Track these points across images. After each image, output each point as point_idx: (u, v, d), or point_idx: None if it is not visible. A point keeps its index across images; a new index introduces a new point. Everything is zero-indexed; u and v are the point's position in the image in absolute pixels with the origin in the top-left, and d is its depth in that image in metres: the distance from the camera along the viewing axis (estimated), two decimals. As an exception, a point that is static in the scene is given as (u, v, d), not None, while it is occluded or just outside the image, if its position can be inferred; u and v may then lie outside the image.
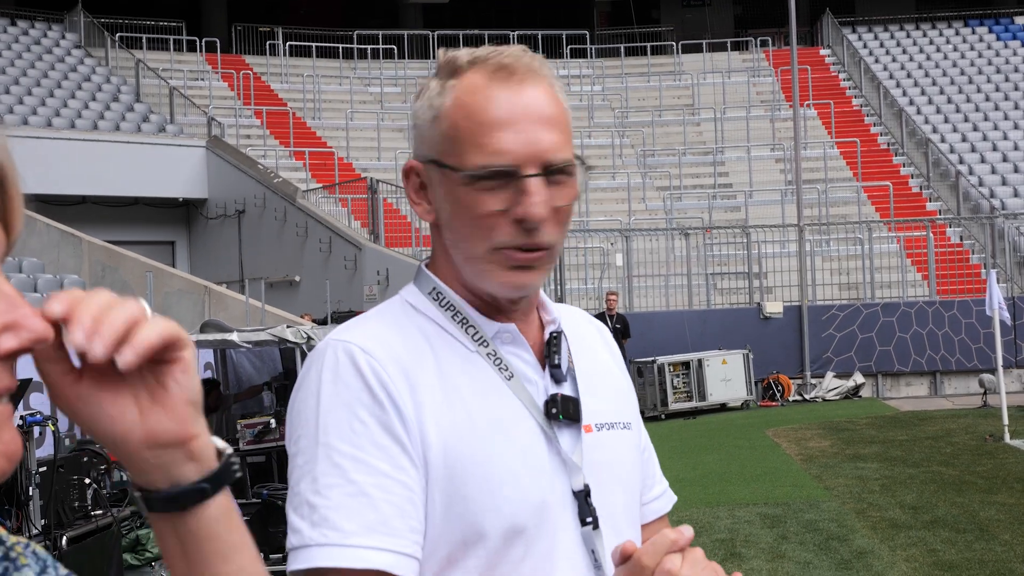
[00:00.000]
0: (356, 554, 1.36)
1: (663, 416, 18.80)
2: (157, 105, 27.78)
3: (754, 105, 32.14)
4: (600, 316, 17.77)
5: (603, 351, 1.70)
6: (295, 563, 1.38)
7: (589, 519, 1.49)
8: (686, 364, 19.43)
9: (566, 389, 1.54)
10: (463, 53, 1.52)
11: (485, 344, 1.51)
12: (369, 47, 33.65)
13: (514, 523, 1.43)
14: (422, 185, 1.52)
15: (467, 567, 1.42)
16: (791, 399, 20.88)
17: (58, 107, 25.99)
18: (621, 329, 18.23)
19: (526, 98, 1.46)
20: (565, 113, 1.50)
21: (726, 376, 19.77)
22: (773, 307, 21.96)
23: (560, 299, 20.43)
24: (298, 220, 23.39)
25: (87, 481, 7.48)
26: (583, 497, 1.49)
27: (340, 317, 16.46)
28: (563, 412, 1.50)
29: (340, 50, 33.55)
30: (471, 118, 1.46)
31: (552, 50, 33.63)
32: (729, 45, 35.66)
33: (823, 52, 35.00)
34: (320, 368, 1.45)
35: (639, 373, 19.00)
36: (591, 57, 34.93)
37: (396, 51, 33.87)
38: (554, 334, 1.56)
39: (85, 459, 7.55)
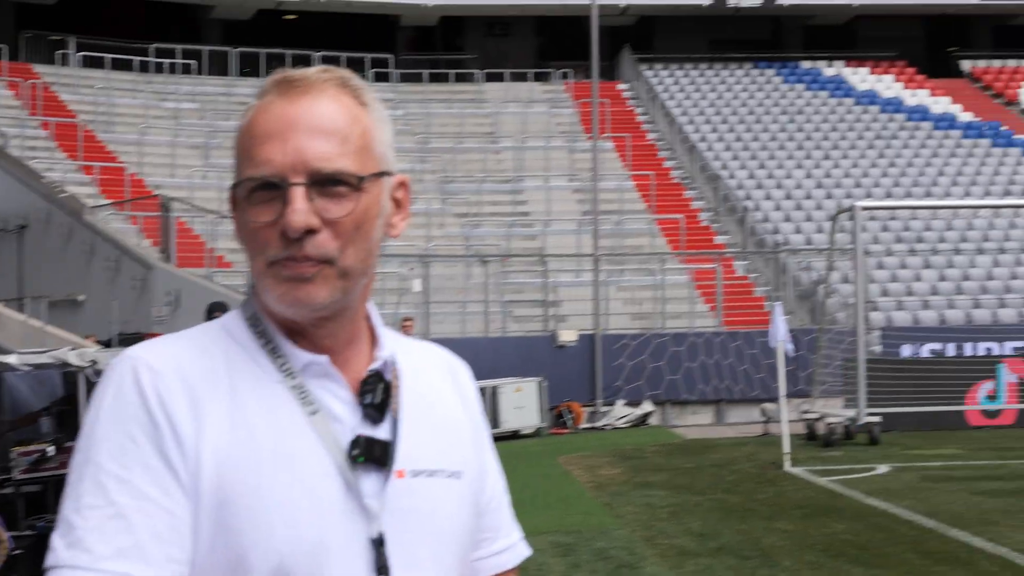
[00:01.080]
0: None
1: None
2: (-65, 111, 26.39)
3: (553, 136, 32.68)
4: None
5: (450, 394, 1.64)
6: None
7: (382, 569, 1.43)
8: (481, 391, 19.36)
9: (382, 431, 1.46)
10: (277, 73, 1.48)
11: (292, 376, 1.44)
12: (167, 61, 32.78)
13: (282, 562, 1.36)
14: (236, 207, 1.47)
15: None
16: (582, 426, 21.22)
17: None
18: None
19: (299, 108, 1.42)
20: (354, 126, 1.45)
21: (520, 403, 19.96)
22: (567, 335, 22.31)
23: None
24: (84, 237, 22.50)
25: None
26: (377, 545, 1.42)
27: (127, 339, 15.89)
28: (365, 454, 1.43)
29: (136, 63, 32.57)
30: (247, 133, 1.44)
31: (355, 72, 33.41)
32: (531, 76, 36.21)
33: (621, 86, 35.91)
34: (106, 383, 1.41)
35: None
36: (394, 81, 34.92)
37: (195, 66, 33.11)
38: (371, 373, 1.49)
39: None
